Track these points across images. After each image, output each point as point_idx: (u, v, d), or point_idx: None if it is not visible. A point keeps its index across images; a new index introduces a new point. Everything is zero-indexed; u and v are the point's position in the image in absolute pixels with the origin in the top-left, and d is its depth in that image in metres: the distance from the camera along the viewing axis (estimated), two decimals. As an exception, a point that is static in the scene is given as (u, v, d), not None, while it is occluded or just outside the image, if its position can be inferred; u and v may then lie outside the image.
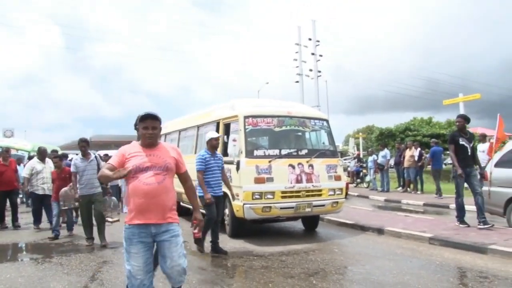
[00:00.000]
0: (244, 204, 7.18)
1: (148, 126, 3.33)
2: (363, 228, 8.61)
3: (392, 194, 15.84)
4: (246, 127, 7.65)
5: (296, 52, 27.66)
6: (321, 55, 27.37)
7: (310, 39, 27.25)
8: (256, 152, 7.59)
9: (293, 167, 7.55)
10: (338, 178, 8.06)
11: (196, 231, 3.65)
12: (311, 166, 7.72)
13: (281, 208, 7.33)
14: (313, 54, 27.21)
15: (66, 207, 8.09)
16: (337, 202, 7.96)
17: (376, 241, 7.53)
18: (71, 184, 7.83)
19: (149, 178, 3.23)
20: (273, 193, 7.30)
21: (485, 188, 8.10)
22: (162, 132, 12.99)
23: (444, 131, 27.58)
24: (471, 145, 7.92)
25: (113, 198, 9.62)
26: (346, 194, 9.09)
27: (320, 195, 7.72)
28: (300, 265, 5.88)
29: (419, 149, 15.79)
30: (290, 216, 7.76)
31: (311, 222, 8.76)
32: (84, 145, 7.49)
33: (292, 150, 7.87)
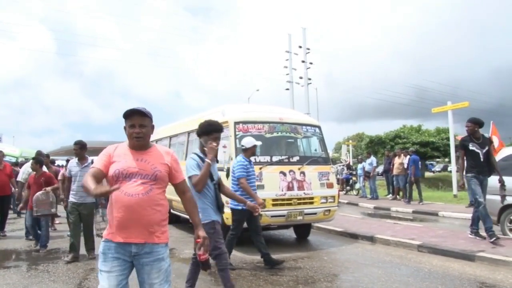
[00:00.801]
0: None
1: (135, 124, 2.77)
2: (352, 236, 8.61)
3: (382, 201, 15.90)
4: (237, 133, 7.49)
5: (287, 60, 27.77)
6: (311, 63, 27.49)
7: (300, 47, 27.38)
8: None
9: (285, 174, 7.42)
10: (330, 185, 7.92)
11: (201, 252, 3.02)
12: (302, 173, 7.59)
13: (272, 216, 7.18)
14: (303, 61, 27.31)
15: (38, 214, 7.43)
16: (329, 210, 7.83)
17: (365, 249, 7.54)
18: (45, 188, 7.46)
19: (132, 187, 2.67)
20: (264, 200, 7.18)
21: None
22: (153, 138, 12.94)
23: (433, 139, 27.74)
24: (485, 150, 7.38)
25: (106, 209, 9.26)
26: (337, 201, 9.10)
27: (312, 203, 7.59)
28: (288, 273, 5.86)
29: (408, 156, 15.89)
30: (281, 224, 7.60)
31: (303, 230, 8.64)
32: (76, 148, 7.09)
33: (283, 157, 7.74)
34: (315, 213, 7.63)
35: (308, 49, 27.37)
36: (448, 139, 20.84)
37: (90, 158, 7.16)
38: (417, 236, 7.95)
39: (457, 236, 7.83)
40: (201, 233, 2.98)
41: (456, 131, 24.56)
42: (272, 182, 7.27)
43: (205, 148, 4.30)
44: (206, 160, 4.21)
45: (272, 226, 7.70)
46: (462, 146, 7.52)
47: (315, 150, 8.57)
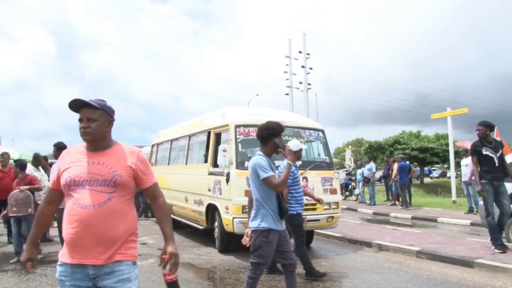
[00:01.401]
0: (233, 218, 6.87)
1: (82, 118, 2.37)
2: (351, 241, 8.60)
3: (380, 207, 15.89)
4: (237, 136, 7.33)
5: (287, 65, 27.79)
6: (311, 68, 27.53)
7: (300, 52, 27.43)
8: (247, 163, 7.19)
9: None
10: (333, 191, 7.75)
11: (166, 270, 2.47)
12: (305, 178, 7.35)
13: None
14: (303, 66, 27.35)
15: (14, 214, 6.96)
16: (332, 217, 7.62)
17: (364, 254, 7.52)
18: (19, 187, 7.04)
19: (87, 197, 2.27)
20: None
21: (482, 203, 7.54)
22: (155, 141, 12.85)
23: (432, 144, 27.77)
24: (499, 154, 6.94)
25: None
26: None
27: (314, 209, 7.32)
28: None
29: (407, 162, 15.91)
30: None
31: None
32: (54, 150, 6.81)
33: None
34: (317, 220, 7.44)
35: (308, 54, 27.42)
36: (447, 145, 20.87)
37: None
38: (416, 242, 7.94)
39: (456, 242, 7.82)
40: (170, 248, 2.44)
41: (456, 137, 24.61)
42: None
43: (280, 150, 4.17)
44: (287, 161, 4.11)
45: None
46: (474, 151, 7.08)
47: (318, 154, 8.36)
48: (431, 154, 27.50)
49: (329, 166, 8.08)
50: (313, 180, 7.49)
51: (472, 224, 10.84)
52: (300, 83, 27.59)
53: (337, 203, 7.77)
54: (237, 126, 7.41)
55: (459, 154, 17.71)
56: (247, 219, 6.44)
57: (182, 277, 5.87)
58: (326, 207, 7.47)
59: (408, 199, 15.30)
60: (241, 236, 7.07)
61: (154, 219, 12.25)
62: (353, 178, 20.47)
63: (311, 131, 8.22)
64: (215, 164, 7.47)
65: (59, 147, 6.79)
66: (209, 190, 7.78)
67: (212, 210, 7.79)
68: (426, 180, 34.30)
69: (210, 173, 7.80)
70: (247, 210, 6.43)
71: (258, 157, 4.13)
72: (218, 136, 7.96)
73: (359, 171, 18.53)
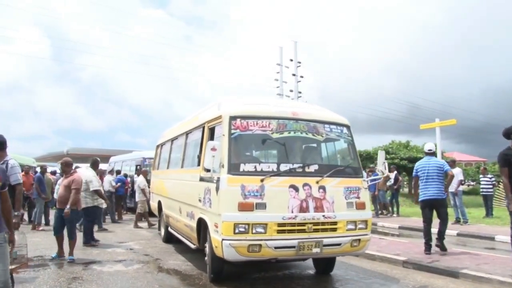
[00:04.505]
0: (223, 239, 5.16)
1: None
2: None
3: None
4: (232, 131, 5.61)
5: (277, 72, 27.96)
6: (302, 76, 27.76)
7: (291, 60, 27.59)
8: (243, 167, 5.45)
9: (297, 189, 5.44)
10: (361, 206, 5.87)
11: None
12: (322, 188, 5.58)
13: (276, 248, 5.22)
14: (294, 75, 27.54)
15: None
16: (359, 240, 5.77)
17: (350, 264, 7.52)
18: None
19: None
20: (265, 225, 5.20)
21: None
22: (159, 142, 11.37)
23: (421, 154, 27.90)
24: None
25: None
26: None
27: (334, 229, 5.58)
28: (270, 286, 5.85)
29: (395, 172, 16.00)
30: (290, 258, 5.81)
31: (324, 264, 6.64)
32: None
33: (296, 165, 5.73)
34: (338, 244, 5.60)
35: (299, 62, 27.65)
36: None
37: (8, 156, 5.39)
38: (402, 251, 7.97)
39: (442, 252, 7.86)
40: None
41: (444, 148, 24.76)
42: (278, 200, 5.34)
43: None
44: None
45: (279, 259, 5.62)
46: (503, 161, 6.08)
47: (342, 157, 6.64)
48: (418, 164, 27.72)
49: (356, 172, 6.19)
50: (333, 191, 5.67)
51: (458, 234, 10.91)
52: (291, 91, 27.75)
53: (365, 222, 5.93)
54: (232, 118, 5.73)
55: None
56: (240, 241, 5.14)
57: (167, 284, 5.85)
58: (350, 226, 5.72)
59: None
60: (239, 262, 5.69)
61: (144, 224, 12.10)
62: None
63: (331, 126, 6.29)
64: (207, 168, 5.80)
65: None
66: (200, 200, 6.17)
67: (204, 226, 6.11)
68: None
69: (201, 179, 6.17)
70: (241, 229, 5.15)
71: None
72: (212, 132, 6.37)
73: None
